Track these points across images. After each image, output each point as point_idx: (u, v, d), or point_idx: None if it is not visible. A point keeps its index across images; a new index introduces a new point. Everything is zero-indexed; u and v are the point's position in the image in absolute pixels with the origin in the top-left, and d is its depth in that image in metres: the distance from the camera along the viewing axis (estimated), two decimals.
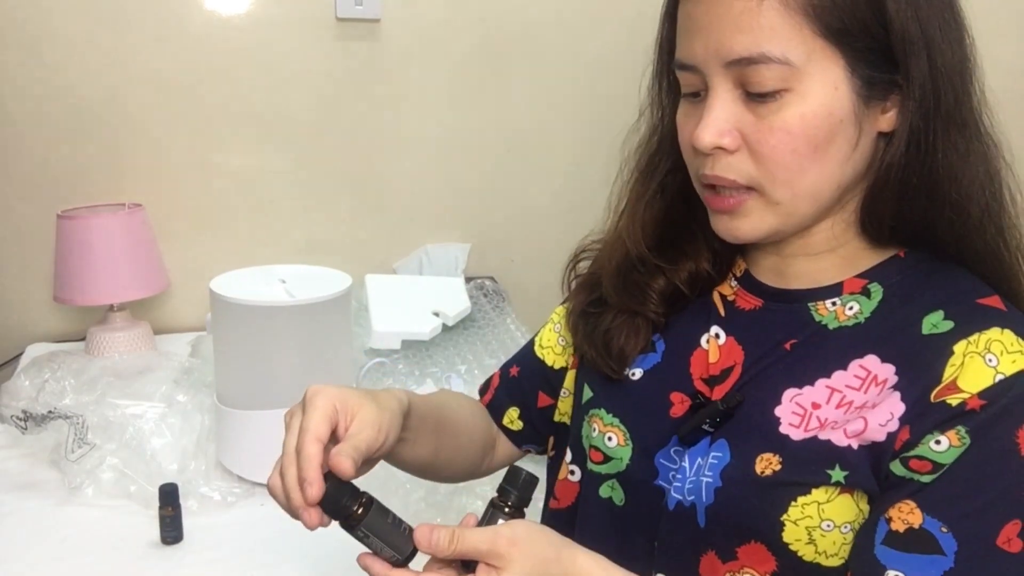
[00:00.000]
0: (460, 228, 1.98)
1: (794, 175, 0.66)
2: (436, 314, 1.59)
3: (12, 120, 1.68)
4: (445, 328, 1.59)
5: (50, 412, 1.33)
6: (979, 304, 0.66)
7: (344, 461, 0.63)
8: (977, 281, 0.69)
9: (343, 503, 0.63)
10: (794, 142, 0.65)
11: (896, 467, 0.63)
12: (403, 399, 0.74)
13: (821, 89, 0.64)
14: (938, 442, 0.61)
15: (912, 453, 0.62)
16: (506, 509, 0.65)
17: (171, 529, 1.11)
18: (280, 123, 1.82)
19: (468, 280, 1.79)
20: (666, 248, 0.79)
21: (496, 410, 0.92)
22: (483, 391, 0.95)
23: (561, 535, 0.64)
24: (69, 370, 1.43)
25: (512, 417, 0.91)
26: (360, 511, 0.63)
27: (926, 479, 0.62)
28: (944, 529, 0.60)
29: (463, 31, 1.87)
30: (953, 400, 0.62)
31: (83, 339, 1.66)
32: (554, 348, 0.90)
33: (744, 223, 0.70)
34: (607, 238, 0.85)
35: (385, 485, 1.17)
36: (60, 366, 1.45)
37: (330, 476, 0.63)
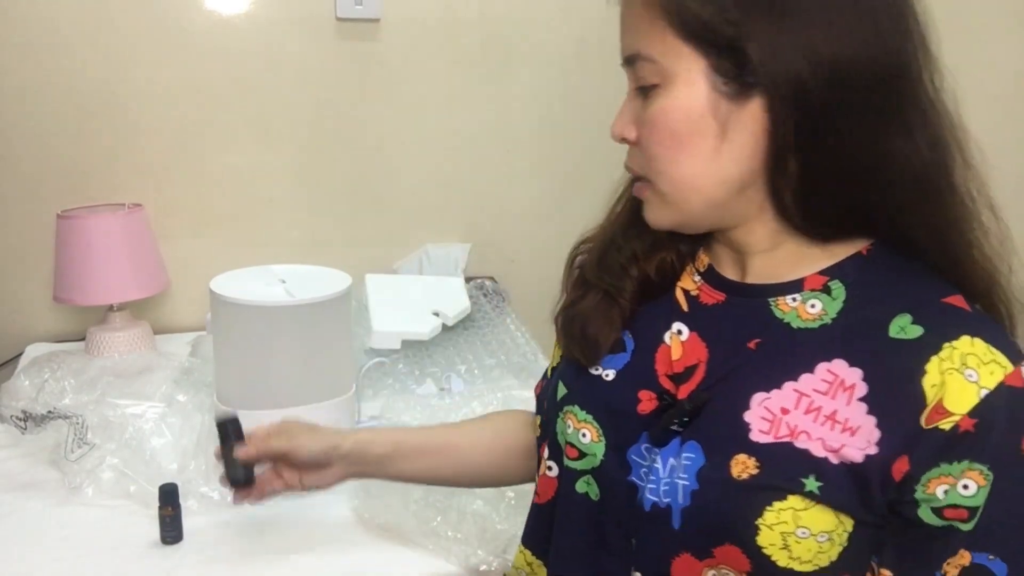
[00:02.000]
0: (460, 228, 1.98)
1: (666, 166, 0.70)
2: (436, 314, 1.59)
3: (12, 120, 1.68)
4: (445, 328, 1.59)
5: (50, 412, 1.33)
6: (945, 304, 0.66)
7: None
8: (939, 279, 0.69)
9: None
10: (659, 134, 0.70)
11: (927, 515, 0.64)
12: (353, 438, 0.94)
13: (683, 86, 0.68)
14: (965, 487, 0.62)
15: (944, 503, 0.63)
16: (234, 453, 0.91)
17: (171, 529, 1.11)
18: (280, 123, 1.82)
19: (468, 280, 1.79)
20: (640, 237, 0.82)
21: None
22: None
23: None
24: (69, 370, 1.43)
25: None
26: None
27: (967, 527, 0.63)
28: (991, 557, 0.63)
29: (463, 31, 1.87)
30: (945, 424, 0.62)
31: (83, 339, 1.66)
32: None
33: (649, 212, 0.76)
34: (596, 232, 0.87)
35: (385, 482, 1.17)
36: (60, 366, 1.45)
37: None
